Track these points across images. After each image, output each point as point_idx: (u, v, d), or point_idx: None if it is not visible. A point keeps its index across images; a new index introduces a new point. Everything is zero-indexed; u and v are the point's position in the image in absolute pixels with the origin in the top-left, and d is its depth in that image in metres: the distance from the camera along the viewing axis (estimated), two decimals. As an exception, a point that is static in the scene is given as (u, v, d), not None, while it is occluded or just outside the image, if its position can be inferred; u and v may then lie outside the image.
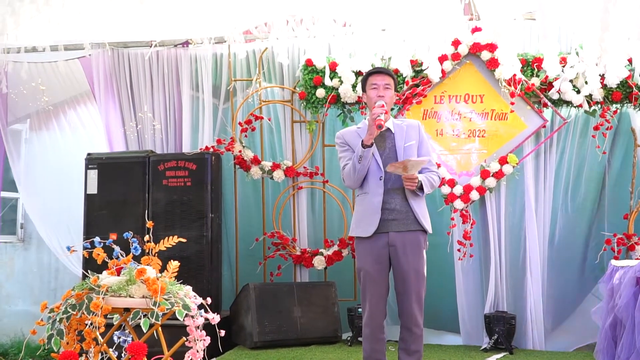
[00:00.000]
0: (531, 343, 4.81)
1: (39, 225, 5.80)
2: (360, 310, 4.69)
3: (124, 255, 3.04)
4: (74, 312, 2.80)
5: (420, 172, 3.37)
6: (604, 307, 3.79)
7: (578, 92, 4.76)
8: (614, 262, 3.81)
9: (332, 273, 5.25)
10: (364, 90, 3.47)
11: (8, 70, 5.35)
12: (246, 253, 5.36)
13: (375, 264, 3.32)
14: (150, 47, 5.39)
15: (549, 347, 4.82)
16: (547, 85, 4.82)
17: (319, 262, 5.15)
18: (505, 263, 4.92)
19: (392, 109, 3.76)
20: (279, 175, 5.23)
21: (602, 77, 4.63)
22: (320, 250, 5.20)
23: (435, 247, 4.85)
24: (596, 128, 4.81)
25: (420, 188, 3.29)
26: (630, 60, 4.63)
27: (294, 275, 5.25)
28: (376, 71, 3.45)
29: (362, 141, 3.25)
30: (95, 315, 2.72)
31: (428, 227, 3.35)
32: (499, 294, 4.90)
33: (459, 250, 4.87)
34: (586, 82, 4.67)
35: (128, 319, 2.98)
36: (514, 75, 4.75)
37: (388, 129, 3.40)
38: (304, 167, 5.30)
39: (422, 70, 4.93)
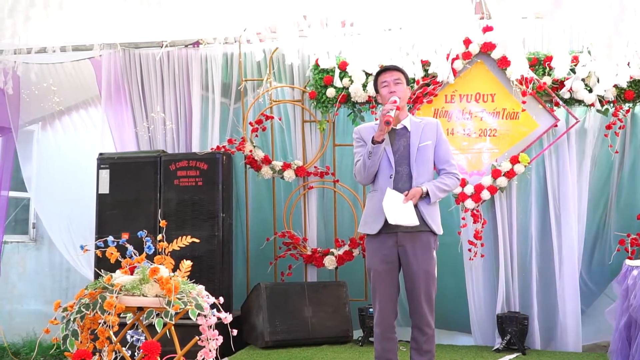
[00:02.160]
0: (538, 343, 4.79)
1: (48, 226, 5.82)
2: (371, 310, 4.68)
3: (137, 255, 3.04)
4: (88, 312, 2.81)
5: (438, 173, 3.38)
6: (618, 307, 3.77)
7: (590, 91, 4.74)
8: (628, 262, 3.79)
9: (343, 273, 5.24)
10: (376, 91, 3.46)
11: (19, 72, 5.37)
12: (257, 253, 5.37)
13: (383, 264, 3.32)
14: (161, 47, 5.40)
15: (558, 347, 4.79)
16: (559, 84, 4.80)
17: (329, 262, 5.15)
18: (517, 263, 4.89)
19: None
20: (289, 175, 5.23)
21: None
22: (331, 250, 5.19)
23: (445, 247, 4.85)
24: (608, 127, 4.79)
25: (427, 196, 3.28)
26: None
27: (305, 275, 5.25)
28: (384, 69, 3.45)
29: (373, 137, 3.24)
30: (108, 315, 2.73)
31: (436, 228, 3.33)
32: (510, 294, 4.88)
33: (469, 250, 4.85)
34: (598, 81, 4.63)
35: (141, 318, 2.98)
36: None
37: (404, 127, 3.39)
38: (315, 167, 5.30)
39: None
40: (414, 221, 3.20)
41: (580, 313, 4.77)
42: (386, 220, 3.28)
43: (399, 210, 3.20)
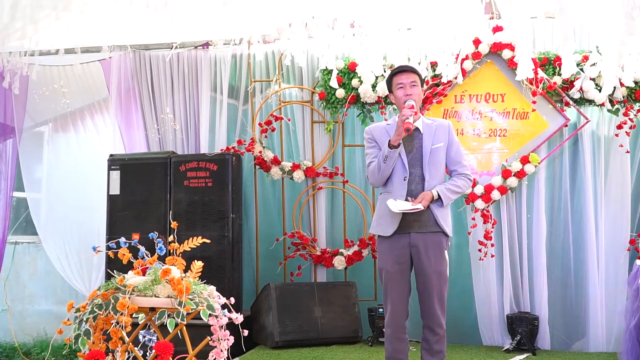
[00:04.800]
0: (549, 344, 4.78)
1: (41, 230, 5.81)
2: (380, 310, 4.69)
3: (149, 256, 3.06)
4: (101, 312, 2.83)
5: (449, 175, 3.39)
6: (629, 308, 3.75)
7: (600, 90, 4.71)
8: (639, 262, 3.77)
9: (352, 273, 5.25)
10: (390, 91, 3.45)
11: (28, 74, 5.40)
12: (266, 253, 5.38)
13: (396, 264, 3.32)
14: (171, 49, 5.42)
15: (584, 348, 4.78)
16: (569, 84, 4.78)
17: (339, 262, 5.15)
18: (527, 263, 4.88)
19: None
20: (299, 175, 5.23)
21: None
22: (340, 251, 5.19)
23: (452, 248, 4.85)
24: (619, 127, 4.76)
25: (439, 200, 3.30)
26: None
27: (314, 275, 5.26)
28: (400, 70, 3.42)
29: (389, 141, 3.24)
30: (121, 315, 2.74)
31: (448, 230, 3.34)
32: (519, 294, 4.87)
33: (479, 250, 4.84)
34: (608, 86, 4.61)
35: (153, 319, 3.00)
36: (536, 73, 4.71)
37: (417, 129, 3.39)
38: (324, 168, 5.30)
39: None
40: (420, 207, 3.22)
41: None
42: (400, 223, 3.28)
43: (406, 207, 3.22)
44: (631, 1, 3.61)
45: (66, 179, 5.85)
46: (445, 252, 3.35)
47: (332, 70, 5.10)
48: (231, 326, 3.01)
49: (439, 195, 3.28)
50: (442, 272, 3.30)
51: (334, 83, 5.05)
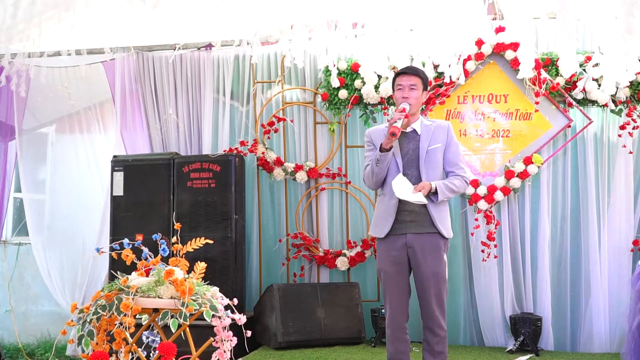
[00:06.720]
0: (552, 344, 4.78)
1: (44, 228, 5.80)
2: (383, 311, 4.68)
3: (153, 257, 3.07)
4: (104, 313, 2.84)
5: (446, 176, 3.39)
6: (632, 308, 3.74)
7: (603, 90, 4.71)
8: (642, 262, 3.76)
9: (355, 274, 5.25)
10: (393, 90, 3.47)
11: (32, 75, 5.41)
12: (269, 254, 5.38)
13: (393, 265, 3.33)
14: (174, 50, 5.43)
15: (583, 349, 4.78)
16: (572, 84, 4.78)
17: (342, 263, 5.15)
18: (529, 264, 4.88)
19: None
20: (301, 176, 5.24)
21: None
22: (343, 251, 5.20)
23: (454, 249, 4.84)
24: (622, 127, 4.76)
25: (435, 193, 3.28)
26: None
27: (317, 276, 5.26)
28: (402, 72, 3.43)
29: (381, 145, 3.25)
30: (125, 316, 2.75)
31: (445, 231, 3.33)
32: (522, 295, 4.87)
33: (482, 251, 4.84)
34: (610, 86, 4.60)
35: (157, 319, 3.01)
36: (539, 74, 4.71)
37: (414, 130, 3.40)
38: (327, 169, 5.31)
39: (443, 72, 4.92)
40: (422, 200, 3.22)
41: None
42: (394, 223, 3.29)
43: (408, 192, 3.21)
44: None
45: (70, 181, 5.86)
46: (444, 253, 3.34)
47: (334, 69, 5.10)
48: (234, 327, 3.02)
49: (436, 188, 3.27)
50: (440, 274, 3.30)
51: (334, 82, 5.05)
